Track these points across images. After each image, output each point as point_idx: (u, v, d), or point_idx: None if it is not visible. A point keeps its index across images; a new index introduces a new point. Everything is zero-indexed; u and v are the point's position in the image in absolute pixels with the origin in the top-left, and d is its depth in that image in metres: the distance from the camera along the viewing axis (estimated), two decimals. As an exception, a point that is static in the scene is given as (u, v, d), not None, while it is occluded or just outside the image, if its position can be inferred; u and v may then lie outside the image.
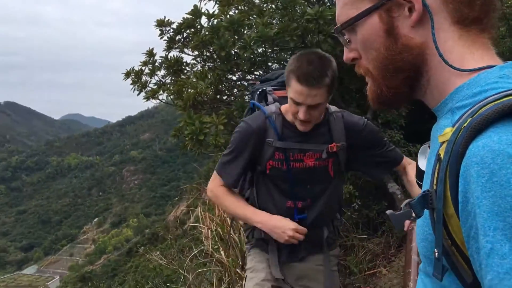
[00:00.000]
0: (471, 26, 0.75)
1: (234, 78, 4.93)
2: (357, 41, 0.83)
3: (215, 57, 4.14)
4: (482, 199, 0.62)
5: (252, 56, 3.90)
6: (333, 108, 2.17)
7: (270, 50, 4.15)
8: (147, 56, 4.71)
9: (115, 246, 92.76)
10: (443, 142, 0.72)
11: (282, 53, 4.75)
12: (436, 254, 0.72)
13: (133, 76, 4.74)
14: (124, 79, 4.78)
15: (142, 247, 14.31)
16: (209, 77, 4.04)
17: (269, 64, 4.39)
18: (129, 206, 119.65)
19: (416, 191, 1.95)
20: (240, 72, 4.71)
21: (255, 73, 4.50)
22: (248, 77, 4.88)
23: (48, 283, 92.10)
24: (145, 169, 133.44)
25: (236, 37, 3.86)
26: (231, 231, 4.06)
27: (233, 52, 3.96)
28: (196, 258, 5.01)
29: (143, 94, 4.66)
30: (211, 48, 3.92)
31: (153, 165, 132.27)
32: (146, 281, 7.75)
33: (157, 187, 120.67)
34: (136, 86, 4.71)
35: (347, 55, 0.86)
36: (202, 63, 4.66)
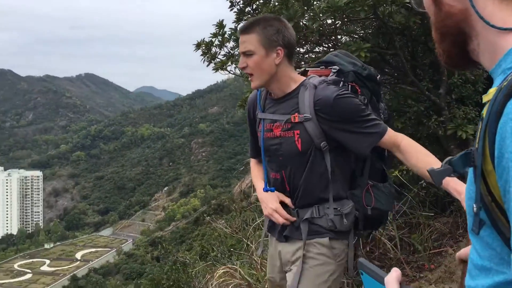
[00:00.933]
0: None
1: (302, 50, 4.88)
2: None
3: (283, 28, 4.13)
4: None
5: (321, 28, 3.83)
6: (313, 79, 2.07)
7: (339, 22, 4.06)
8: (217, 28, 4.78)
9: (183, 214, 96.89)
10: (486, 102, 0.74)
11: (352, 25, 4.63)
12: (475, 209, 0.74)
13: (203, 47, 4.83)
14: (195, 50, 4.89)
15: (208, 217, 14.79)
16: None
17: (339, 36, 4.30)
18: (197, 177, 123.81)
19: (421, 167, 1.86)
20: (309, 45, 4.66)
21: (324, 45, 4.43)
22: (317, 49, 4.82)
23: (122, 245, 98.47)
24: (212, 142, 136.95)
25: (305, 7, 3.81)
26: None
27: (301, 23, 3.92)
28: (260, 229, 5.13)
29: (212, 65, 4.76)
30: (280, 19, 3.90)
31: (221, 138, 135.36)
32: (212, 248, 8.04)
33: (223, 159, 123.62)
34: (205, 57, 4.81)
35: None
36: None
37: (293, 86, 2.07)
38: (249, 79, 2.09)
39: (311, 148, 2.03)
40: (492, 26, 0.76)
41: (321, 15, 3.63)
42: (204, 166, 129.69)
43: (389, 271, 0.84)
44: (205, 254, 8.37)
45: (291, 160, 2.08)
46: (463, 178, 0.84)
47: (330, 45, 4.36)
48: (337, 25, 4.12)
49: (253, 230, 5.32)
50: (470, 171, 0.77)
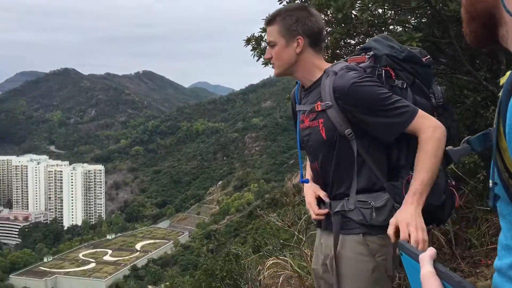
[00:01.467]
0: None
1: (352, 42, 4.82)
2: None
3: (333, 20, 4.09)
4: None
5: (370, 18, 3.77)
6: (336, 66, 2.02)
7: (390, 11, 3.98)
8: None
9: (237, 208, 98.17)
10: (503, 85, 0.76)
11: (404, 14, 4.51)
12: (491, 184, 0.77)
13: (253, 42, 4.89)
14: (244, 45, 4.96)
15: (262, 210, 14.90)
16: (325, 41, 4.02)
17: (390, 26, 4.21)
18: (251, 171, 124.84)
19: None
20: (359, 36, 4.60)
21: (375, 36, 4.36)
22: (368, 40, 4.74)
23: (178, 237, 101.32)
24: (266, 136, 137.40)
25: (354, -2, 3.77)
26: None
27: (351, 14, 3.87)
28: (311, 223, 5.14)
29: (262, 60, 4.81)
30: (328, 11, 3.87)
31: (274, 132, 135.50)
32: (265, 242, 8.11)
33: (277, 154, 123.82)
34: (255, 52, 4.87)
35: None
36: (320, 27, 4.64)
37: (318, 74, 2.06)
38: (272, 67, 2.15)
39: (336, 136, 1.98)
40: None
41: (370, 5, 3.58)
42: (258, 160, 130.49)
43: (444, 266, 0.85)
44: (258, 247, 8.48)
45: (320, 150, 2.06)
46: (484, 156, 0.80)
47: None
48: (388, 15, 4.04)
49: (305, 223, 5.34)
50: (493, 150, 0.79)
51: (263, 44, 4.91)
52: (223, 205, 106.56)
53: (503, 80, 0.78)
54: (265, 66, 4.84)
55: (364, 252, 1.95)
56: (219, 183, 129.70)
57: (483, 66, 4.33)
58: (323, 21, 4.65)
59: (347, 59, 2.18)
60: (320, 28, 2.06)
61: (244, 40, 4.95)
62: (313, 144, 2.09)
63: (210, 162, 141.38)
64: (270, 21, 2.08)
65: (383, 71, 1.98)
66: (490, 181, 0.77)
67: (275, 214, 8.40)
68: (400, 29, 4.37)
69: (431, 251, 0.87)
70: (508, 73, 0.77)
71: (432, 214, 1.92)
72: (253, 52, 4.91)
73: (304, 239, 5.01)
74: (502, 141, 0.72)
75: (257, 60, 4.96)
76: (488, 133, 0.79)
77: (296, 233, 5.49)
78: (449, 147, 0.86)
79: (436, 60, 4.49)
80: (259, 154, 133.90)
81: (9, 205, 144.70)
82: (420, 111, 1.88)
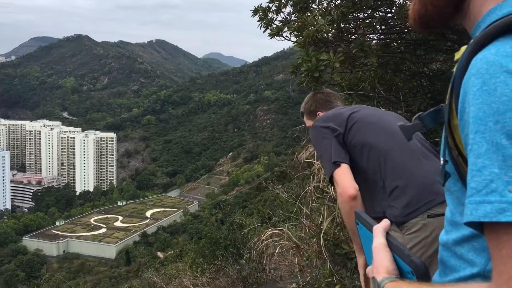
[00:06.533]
0: None
1: (361, 16, 4.77)
2: None
3: (340, -7, 4.05)
4: (471, 106, 0.65)
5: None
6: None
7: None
8: (275, -7, 4.77)
9: (246, 180, 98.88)
10: (457, 60, 0.75)
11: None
12: (441, 161, 0.77)
13: (261, 13, 4.85)
14: (252, 15, 4.92)
15: (270, 183, 14.97)
16: (332, 14, 3.99)
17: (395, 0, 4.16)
18: (261, 144, 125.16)
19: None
20: (369, 11, 4.55)
21: (380, 10, 4.31)
22: (377, 14, 4.68)
23: (188, 206, 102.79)
24: (277, 109, 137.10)
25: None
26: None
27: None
28: (316, 194, 5.20)
29: (268, 31, 4.79)
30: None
31: (286, 105, 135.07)
32: (271, 213, 8.21)
33: (288, 127, 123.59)
34: (262, 23, 4.84)
35: None
36: (328, 0, 4.59)
37: None
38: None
39: None
40: None
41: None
42: (269, 133, 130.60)
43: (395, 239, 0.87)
44: (263, 218, 8.60)
45: None
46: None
47: (388, 9, 4.24)
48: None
49: (308, 196, 5.41)
50: (444, 127, 0.79)
51: (270, 14, 4.88)
52: (233, 176, 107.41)
53: (458, 55, 0.77)
54: (271, 38, 4.83)
55: None
56: (230, 154, 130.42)
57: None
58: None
59: None
60: None
61: (251, 10, 4.92)
62: None
63: (221, 134, 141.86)
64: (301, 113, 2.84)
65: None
66: (442, 159, 0.77)
67: (280, 187, 8.49)
68: (409, 3, 4.31)
69: (385, 223, 0.88)
70: (463, 48, 0.76)
71: None
72: (260, 23, 4.89)
73: (304, 209, 5.09)
74: (453, 118, 0.73)
75: (264, 31, 4.94)
76: (441, 109, 0.78)
77: (298, 204, 5.58)
78: (400, 123, 0.83)
79: (443, 37, 4.44)
80: (270, 127, 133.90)
81: (23, 169, 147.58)
82: (335, 172, 2.11)
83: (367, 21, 4.77)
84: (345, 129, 2.18)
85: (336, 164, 2.07)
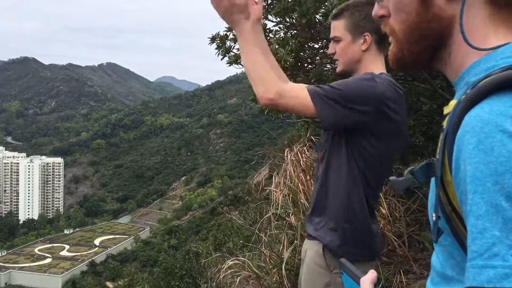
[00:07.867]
0: (504, 7, 0.75)
1: (316, 46, 4.88)
2: None
3: (297, 24, 4.12)
4: (467, 165, 0.64)
5: (334, 24, 3.84)
6: (377, 72, 1.91)
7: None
8: (232, 22, 4.81)
9: (200, 204, 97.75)
10: (447, 114, 0.75)
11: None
12: (434, 217, 0.75)
13: (218, 41, 4.86)
14: (209, 43, 4.92)
15: (225, 207, 14.86)
16: (290, 44, 4.05)
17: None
18: (215, 167, 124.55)
19: None
20: (322, 40, 4.66)
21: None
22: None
23: (139, 233, 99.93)
24: (230, 133, 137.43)
25: (318, 4, 3.81)
26: (303, 196, 4.15)
27: (315, 19, 3.92)
28: (271, 222, 5.18)
29: (226, 59, 4.79)
30: (293, 16, 3.90)
31: (239, 129, 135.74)
32: (227, 239, 8.10)
33: (241, 151, 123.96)
34: (220, 51, 4.84)
35: (377, 11, 0.87)
36: (285, 30, 4.66)
37: None
38: (335, 63, 2.05)
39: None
40: (469, 44, 0.75)
41: (333, 11, 3.63)
42: (222, 156, 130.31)
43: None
44: (219, 245, 8.47)
45: None
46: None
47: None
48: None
49: (266, 222, 5.37)
50: (432, 181, 0.78)
51: (228, 43, 4.90)
52: (186, 201, 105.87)
53: (447, 110, 0.76)
54: (229, 65, 4.84)
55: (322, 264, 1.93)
56: (183, 178, 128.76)
57: (439, 74, 4.47)
58: (288, 24, 4.70)
59: None
60: None
61: (209, 38, 4.92)
62: None
63: (174, 157, 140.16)
64: (336, 15, 2.00)
65: None
66: (434, 215, 0.75)
67: (236, 212, 8.42)
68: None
69: (372, 274, 0.86)
70: (452, 102, 0.75)
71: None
72: (217, 50, 4.89)
73: (264, 237, 5.04)
74: (446, 174, 0.72)
75: (222, 59, 4.95)
76: (432, 163, 0.76)
77: (256, 231, 5.52)
78: (393, 178, 0.83)
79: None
80: (223, 150, 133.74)
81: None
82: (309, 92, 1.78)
83: (322, 51, 4.89)
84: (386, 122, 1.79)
85: (323, 92, 1.69)
